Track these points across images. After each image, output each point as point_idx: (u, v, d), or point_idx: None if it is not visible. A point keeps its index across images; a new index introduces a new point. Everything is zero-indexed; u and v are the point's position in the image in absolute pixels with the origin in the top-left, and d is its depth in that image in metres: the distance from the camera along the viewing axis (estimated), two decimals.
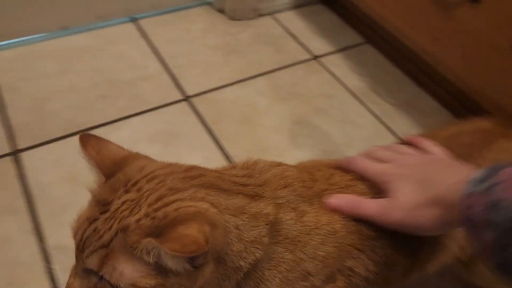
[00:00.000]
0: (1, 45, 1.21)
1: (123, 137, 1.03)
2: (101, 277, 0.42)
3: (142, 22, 1.36)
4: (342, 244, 0.52)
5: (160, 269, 0.42)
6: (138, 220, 0.42)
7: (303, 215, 0.51)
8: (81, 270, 0.44)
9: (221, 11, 1.44)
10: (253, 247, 0.47)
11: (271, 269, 0.49)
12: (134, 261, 0.41)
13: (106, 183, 0.47)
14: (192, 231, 0.40)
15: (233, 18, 1.42)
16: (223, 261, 0.46)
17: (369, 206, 0.53)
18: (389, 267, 0.56)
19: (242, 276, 0.47)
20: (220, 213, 0.45)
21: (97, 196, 0.46)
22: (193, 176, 0.47)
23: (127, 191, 0.44)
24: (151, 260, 0.41)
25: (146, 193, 0.44)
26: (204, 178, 0.48)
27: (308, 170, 0.58)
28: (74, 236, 0.45)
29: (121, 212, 0.43)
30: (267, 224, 0.48)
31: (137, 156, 0.51)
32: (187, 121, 1.10)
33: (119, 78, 1.18)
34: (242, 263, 0.47)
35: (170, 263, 0.41)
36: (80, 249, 0.44)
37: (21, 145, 0.99)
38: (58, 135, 1.02)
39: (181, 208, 0.42)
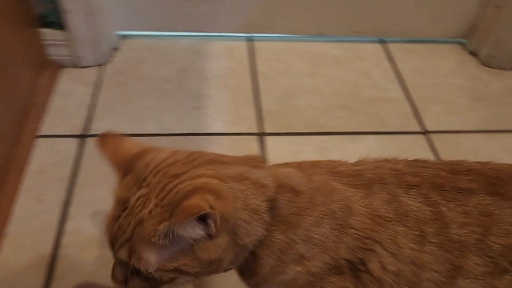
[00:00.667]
0: (264, 36, 1.35)
1: (358, 151, 1.03)
2: (133, 266, 0.47)
3: (391, 46, 1.37)
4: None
5: (180, 250, 0.46)
6: (150, 212, 0.45)
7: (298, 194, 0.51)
8: (117, 261, 0.50)
9: (473, 53, 1.36)
10: (256, 222, 0.48)
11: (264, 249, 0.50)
12: (155, 248, 0.45)
13: (122, 182, 0.50)
14: (193, 201, 0.43)
15: (486, 64, 1.32)
16: (235, 235, 0.48)
17: None
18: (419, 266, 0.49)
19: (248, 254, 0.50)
20: (223, 182, 0.47)
21: (117, 196, 0.49)
22: (193, 159, 0.50)
23: (139, 188, 0.48)
24: (168, 243, 0.44)
25: (154, 186, 0.47)
26: (204, 157, 0.51)
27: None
28: (105, 234, 0.49)
29: (136, 208, 0.47)
30: (266, 201, 0.49)
31: (144, 152, 0.52)
32: (422, 155, 1.04)
33: (361, 93, 1.20)
34: (246, 240, 0.48)
35: (185, 234, 0.44)
36: (112, 244, 0.49)
37: (267, 129, 1.07)
38: (300, 130, 1.08)
39: (180, 189, 0.46)
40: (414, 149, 1.07)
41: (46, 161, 0.96)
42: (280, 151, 1.02)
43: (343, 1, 1.28)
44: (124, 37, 1.29)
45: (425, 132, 1.11)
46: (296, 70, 1.25)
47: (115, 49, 1.26)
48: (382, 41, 1.38)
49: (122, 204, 0.48)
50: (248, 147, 1.03)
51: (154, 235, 0.44)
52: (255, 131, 1.07)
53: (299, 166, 0.57)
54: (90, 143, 0.99)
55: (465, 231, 0.50)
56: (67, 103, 1.09)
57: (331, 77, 1.24)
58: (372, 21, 1.34)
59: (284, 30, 1.34)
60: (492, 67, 1.32)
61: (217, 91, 1.17)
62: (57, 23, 1.11)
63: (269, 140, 1.05)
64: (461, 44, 1.40)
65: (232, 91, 1.17)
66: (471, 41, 1.36)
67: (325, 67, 1.27)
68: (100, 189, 0.88)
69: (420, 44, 1.38)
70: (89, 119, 1.05)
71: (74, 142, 1.00)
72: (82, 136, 1.01)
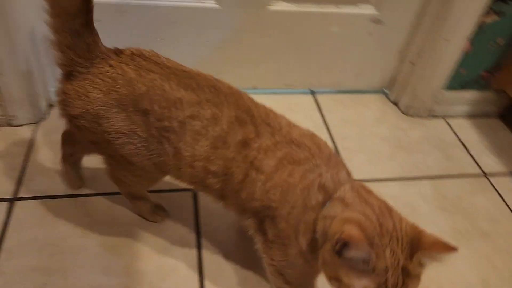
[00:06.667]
0: None
1: None
2: None
3: (320, 97, 1.46)
4: None
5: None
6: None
7: None
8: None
9: (395, 103, 1.49)
10: None
11: None
12: None
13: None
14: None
15: (406, 113, 1.45)
16: None
17: None
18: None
19: None
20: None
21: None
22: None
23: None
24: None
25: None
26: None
27: None
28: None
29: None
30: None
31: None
32: None
33: None
34: None
35: None
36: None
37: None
38: None
39: None
40: None
41: None
42: (211, 206, 1.06)
43: (274, 57, 1.36)
44: None
45: None
46: None
47: (52, 105, 1.26)
48: (312, 93, 1.47)
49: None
50: (182, 204, 1.06)
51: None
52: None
53: None
54: (20, 206, 0.99)
55: None
56: None
57: None
58: (302, 74, 1.44)
59: None
60: (411, 116, 1.45)
61: None
62: None
63: (202, 195, 1.09)
64: (385, 93, 1.52)
65: None
66: (392, 92, 1.49)
67: None
68: (28, 257, 0.88)
69: (347, 95, 1.49)
70: (19, 181, 1.05)
71: (3, 206, 0.99)
72: (12, 200, 1.01)
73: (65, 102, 0.78)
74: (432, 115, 1.46)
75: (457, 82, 1.41)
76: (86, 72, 0.76)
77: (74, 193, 1.03)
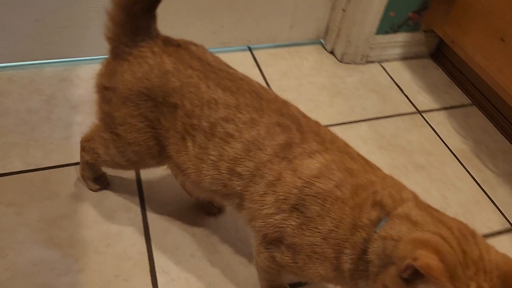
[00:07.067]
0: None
1: None
2: None
3: (257, 52, 1.46)
4: None
5: None
6: None
7: None
8: None
9: (331, 52, 1.50)
10: None
11: None
12: None
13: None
14: None
15: (341, 60, 1.47)
16: None
17: None
18: None
19: None
20: None
21: None
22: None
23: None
24: None
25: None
26: None
27: None
28: None
29: None
30: None
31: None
32: None
33: None
34: None
35: None
36: None
37: None
38: None
39: None
40: None
41: None
42: (153, 169, 1.05)
43: (207, 16, 1.33)
44: None
45: None
46: None
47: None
48: (250, 49, 1.46)
49: None
50: (122, 170, 1.04)
51: None
52: None
53: None
54: None
55: None
56: None
57: None
58: (238, 31, 1.42)
59: None
60: (347, 63, 1.47)
61: (89, 118, 1.16)
62: None
63: None
64: (321, 44, 1.53)
65: None
66: (328, 41, 1.50)
67: None
68: None
69: (284, 48, 1.49)
70: None
71: None
72: None
73: (103, 73, 0.78)
74: (367, 61, 1.49)
75: (388, 26, 1.44)
76: (128, 52, 0.74)
77: (5, 172, 0.99)
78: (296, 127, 0.68)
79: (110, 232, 0.92)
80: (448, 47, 1.42)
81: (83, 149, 0.92)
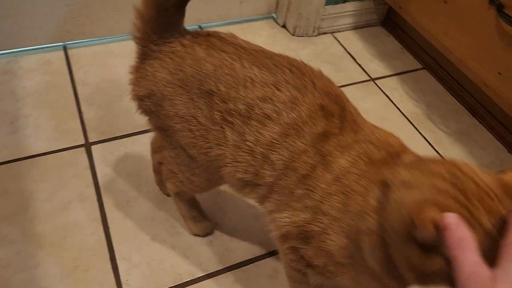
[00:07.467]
0: (80, 43, 1.31)
1: None
2: None
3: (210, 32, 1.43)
4: None
5: None
6: None
7: None
8: None
9: (283, 26, 1.50)
10: None
11: None
12: None
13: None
14: None
15: (294, 34, 1.47)
16: None
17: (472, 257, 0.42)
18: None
19: None
20: None
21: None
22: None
23: None
24: None
25: None
26: None
27: None
28: None
29: None
30: None
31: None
32: None
33: None
34: None
35: None
36: None
37: (92, 139, 1.07)
38: (128, 132, 1.09)
39: None
40: None
41: None
42: (108, 157, 1.03)
43: None
44: None
45: None
46: (117, 71, 1.25)
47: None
48: (202, 28, 1.44)
49: None
50: (75, 161, 1.01)
51: None
52: (81, 142, 1.06)
53: None
54: None
55: None
56: None
57: None
58: (186, 11, 1.39)
59: (100, 33, 1.32)
60: (299, 36, 1.47)
61: (36, 109, 1.12)
62: None
63: (96, 148, 1.05)
64: (272, 18, 1.52)
65: (53, 106, 1.13)
66: (279, 15, 1.49)
67: None
68: None
69: (236, 25, 1.47)
70: None
71: None
72: None
73: (134, 81, 0.73)
74: (320, 32, 1.49)
75: None
76: (157, 50, 0.70)
77: None
78: (339, 112, 0.63)
79: (66, 224, 0.90)
80: (397, 14, 1.43)
81: (166, 178, 0.85)
